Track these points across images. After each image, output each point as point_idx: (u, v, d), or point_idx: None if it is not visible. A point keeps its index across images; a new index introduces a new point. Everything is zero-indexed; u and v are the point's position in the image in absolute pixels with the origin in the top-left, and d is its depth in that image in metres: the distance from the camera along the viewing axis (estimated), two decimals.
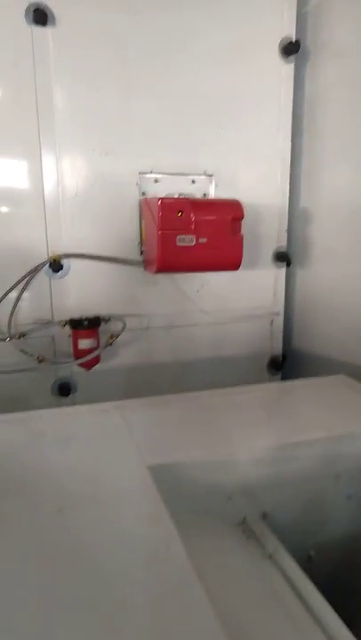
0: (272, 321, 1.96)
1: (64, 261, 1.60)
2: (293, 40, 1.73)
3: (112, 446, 1.06)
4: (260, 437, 1.15)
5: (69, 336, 1.65)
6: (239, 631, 0.77)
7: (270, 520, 1.11)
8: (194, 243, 1.50)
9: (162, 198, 1.51)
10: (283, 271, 1.93)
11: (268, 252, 1.90)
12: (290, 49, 1.73)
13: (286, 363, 2.02)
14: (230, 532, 1.06)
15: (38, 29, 1.45)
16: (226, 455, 1.08)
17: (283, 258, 1.90)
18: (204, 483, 1.07)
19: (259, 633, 0.78)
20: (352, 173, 1.67)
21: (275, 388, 1.44)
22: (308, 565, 1.19)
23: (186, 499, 1.05)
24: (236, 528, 1.07)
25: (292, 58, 1.76)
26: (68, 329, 1.64)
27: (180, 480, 1.03)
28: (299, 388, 1.50)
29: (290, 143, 1.83)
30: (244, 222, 1.62)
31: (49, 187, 1.56)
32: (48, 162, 1.54)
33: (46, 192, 1.56)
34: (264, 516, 1.11)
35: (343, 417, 1.26)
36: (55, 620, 0.62)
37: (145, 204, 1.59)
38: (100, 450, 1.04)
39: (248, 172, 1.80)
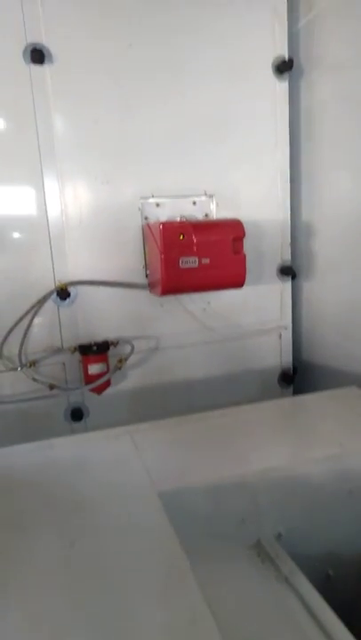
0: (280, 334, 1.96)
1: (71, 289, 1.64)
2: (286, 59, 1.76)
3: (123, 474, 1.08)
4: (271, 457, 1.15)
5: (80, 361, 1.68)
6: None
7: (285, 540, 1.11)
8: (197, 264, 1.52)
9: (163, 222, 1.54)
10: (288, 285, 1.94)
11: (273, 267, 1.91)
12: (283, 67, 1.76)
13: (297, 375, 2.02)
14: (245, 555, 1.06)
15: (36, 67, 1.50)
16: (237, 477, 1.08)
17: (288, 271, 1.91)
18: (216, 506, 1.07)
19: None
20: (351, 186, 1.68)
21: (285, 403, 1.44)
22: (327, 584, 1.18)
23: (199, 522, 1.06)
24: (250, 551, 1.07)
25: (285, 75, 1.78)
26: (77, 355, 1.67)
27: (191, 504, 1.04)
28: (310, 402, 1.49)
29: (288, 158, 1.84)
30: (247, 238, 1.63)
31: (53, 217, 1.60)
32: (51, 193, 1.58)
33: (51, 222, 1.60)
34: (279, 537, 1.11)
35: (355, 431, 1.26)
36: None
37: (147, 229, 1.62)
38: (111, 479, 1.06)
39: (248, 190, 1.82)
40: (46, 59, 1.50)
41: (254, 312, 1.92)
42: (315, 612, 0.87)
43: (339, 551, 1.18)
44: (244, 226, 1.65)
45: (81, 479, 1.06)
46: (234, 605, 0.89)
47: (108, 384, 1.68)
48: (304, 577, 0.96)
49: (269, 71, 1.77)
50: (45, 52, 1.50)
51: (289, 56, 1.77)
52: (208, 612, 0.70)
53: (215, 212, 1.77)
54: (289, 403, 1.46)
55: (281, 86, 1.79)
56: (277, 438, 1.25)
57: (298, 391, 2.01)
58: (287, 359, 2.00)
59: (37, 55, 1.48)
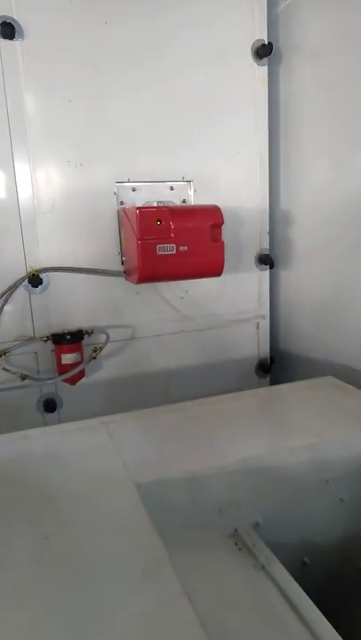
0: (258, 324, 1.95)
1: (43, 276, 1.58)
2: (266, 42, 1.73)
3: (99, 465, 1.05)
4: (248, 447, 1.14)
5: (52, 351, 1.63)
6: None
7: (262, 529, 1.10)
8: (175, 251, 1.49)
9: (140, 207, 1.50)
10: (266, 274, 1.93)
11: (251, 255, 1.89)
12: (262, 51, 1.73)
13: (275, 365, 2.02)
14: (222, 544, 1.05)
15: (6, 42, 1.43)
16: (215, 467, 1.07)
17: (266, 260, 1.90)
18: (194, 496, 1.05)
19: None
20: (330, 174, 1.67)
21: (263, 393, 1.44)
22: (302, 572, 1.19)
23: (176, 513, 1.04)
24: (228, 540, 1.06)
25: (265, 60, 1.75)
26: (50, 344, 1.62)
27: (169, 495, 1.02)
28: (287, 392, 1.49)
29: (267, 145, 1.82)
30: (225, 226, 1.61)
31: (24, 201, 1.54)
32: (22, 176, 1.52)
33: (22, 206, 1.54)
34: (256, 526, 1.10)
35: (331, 420, 1.26)
36: None
37: (123, 214, 1.57)
38: (87, 470, 1.03)
39: (227, 176, 1.79)
40: (17, 34, 1.43)
41: (232, 301, 1.90)
42: (291, 599, 0.87)
43: (314, 539, 1.19)
44: (223, 213, 1.62)
45: (55, 471, 1.03)
46: (212, 594, 0.88)
47: (82, 374, 1.64)
48: (281, 565, 0.96)
49: (249, 55, 1.74)
50: (16, 27, 1.42)
51: (268, 40, 1.74)
52: (186, 600, 0.69)
53: (193, 197, 1.74)
54: (266, 392, 1.46)
55: (260, 71, 1.76)
56: (255, 428, 1.24)
57: (275, 381, 2.01)
58: (265, 349, 1.99)
59: (7, 29, 1.41)
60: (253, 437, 1.18)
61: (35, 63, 1.47)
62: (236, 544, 1.05)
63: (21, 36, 1.45)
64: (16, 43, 1.44)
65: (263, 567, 0.97)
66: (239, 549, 1.04)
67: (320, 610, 0.83)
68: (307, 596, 0.87)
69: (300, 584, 0.90)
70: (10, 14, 1.42)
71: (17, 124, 1.49)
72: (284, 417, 1.34)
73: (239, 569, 0.97)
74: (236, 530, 1.08)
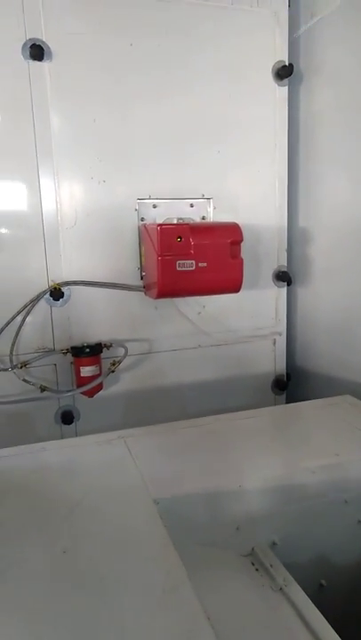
0: (275, 340, 1.95)
1: (65, 289, 1.61)
2: (286, 64, 1.76)
3: (117, 480, 1.05)
4: (267, 465, 1.14)
5: (71, 363, 1.65)
6: None
7: (279, 549, 1.09)
8: (194, 267, 1.51)
9: (161, 224, 1.52)
10: (284, 290, 1.93)
11: (269, 272, 1.90)
12: (283, 73, 1.75)
13: (291, 382, 2.01)
14: (240, 563, 1.04)
15: (35, 64, 1.48)
16: (233, 485, 1.06)
17: (284, 277, 1.90)
18: (211, 514, 1.05)
19: None
20: (349, 193, 1.67)
21: (280, 411, 1.43)
22: (319, 595, 1.17)
23: (194, 530, 1.04)
24: (244, 559, 1.05)
25: (285, 81, 1.78)
26: (69, 356, 1.64)
27: (187, 511, 1.02)
28: (305, 410, 1.48)
29: (287, 163, 1.84)
30: (244, 242, 1.63)
31: (48, 215, 1.57)
32: (46, 191, 1.56)
33: (45, 221, 1.57)
34: (273, 546, 1.09)
35: (350, 440, 1.25)
36: None
37: (144, 230, 1.60)
38: (105, 484, 1.03)
39: (246, 194, 1.81)
40: (45, 55, 1.48)
41: (249, 317, 1.90)
42: (309, 623, 0.86)
43: (331, 561, 1.17)
44: (242, 230, 1.64)
45: (74, 484, 1.03)
46: (230, 615, 0.87)
47: (100, 387, 1.65)
48: (299, 587, 0.95)
49: (269, 76, 1.77)
50: (45, 49, 1.47)
51: (289, 62, 1.76)
52: (207, 622, 0.68)
53: (213, 214, 1.76)
54: (284, 410, 1.45)
55: (281, 91, 1.78)
56: (272, 446, 1.24)
57: (291, 398, 2.00)
58: (281, 365, 1.99)
59: (37, 51, 1.45)
60: (271, 456, 1.18)
61: (61, 84, 1.52)
62: (252, 564, 1.05)
63: (50, 57, 1.49)
64: (44, 64, 1.49)
65: (281, 589, 0.96)
66: (256, 569, 1.03)
67: (338, 635, 0.82)
68: (325, 620, 0.86)
69: (318, 607, 0.89)
70: (39, 37, 1.47)
71: (43, 141, 1.53)
72: (302, 435, 1.33)
73: (257, 590, 0.96)
74: (253, 549, 1.07)
